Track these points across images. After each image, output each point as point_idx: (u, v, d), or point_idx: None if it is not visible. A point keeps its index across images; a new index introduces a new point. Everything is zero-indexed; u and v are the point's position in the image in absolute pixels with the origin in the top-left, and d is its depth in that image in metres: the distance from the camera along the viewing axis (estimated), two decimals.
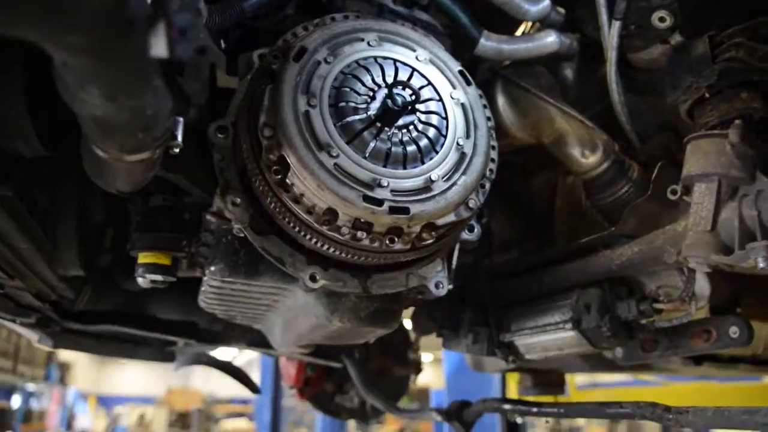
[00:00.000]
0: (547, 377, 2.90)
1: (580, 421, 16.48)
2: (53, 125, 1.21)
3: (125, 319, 2.17)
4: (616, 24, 1.48)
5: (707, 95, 1.41)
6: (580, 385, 7.34)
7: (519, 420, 4.72)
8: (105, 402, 21.22)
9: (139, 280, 1.50)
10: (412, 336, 2.85)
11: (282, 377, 3.13)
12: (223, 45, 1.43)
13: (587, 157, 1.64)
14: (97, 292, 1.99)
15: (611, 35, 1.52)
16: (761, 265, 1.22)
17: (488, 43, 1.63)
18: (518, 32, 1.88)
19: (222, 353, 2.69)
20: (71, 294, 1.91)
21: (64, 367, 17.23)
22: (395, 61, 1.26)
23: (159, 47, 0.62)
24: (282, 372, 3.07)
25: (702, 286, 1.63)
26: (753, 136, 1.34)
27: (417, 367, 2.91)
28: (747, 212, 1.29)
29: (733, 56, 1.36)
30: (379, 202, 1.12)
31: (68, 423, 16.87)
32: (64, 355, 16.35)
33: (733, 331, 1.67)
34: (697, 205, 1.36)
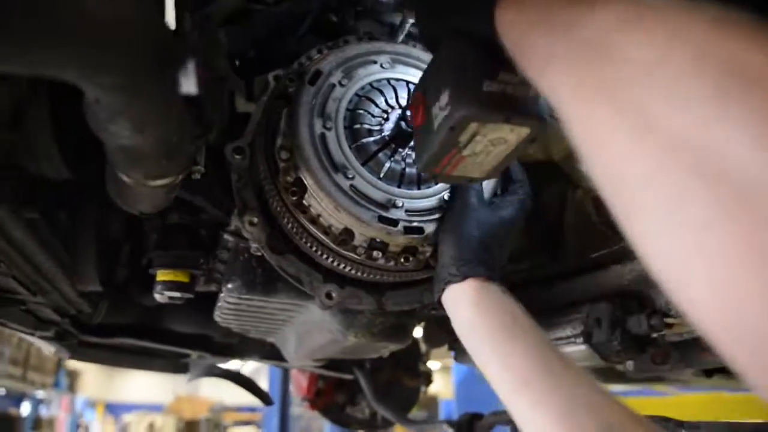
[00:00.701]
0: None
1: None
2: (78, 148, 1.24)
3: (140, 332, 2.21)
4: None
5: None
6: None
7: None
8: (113, 409, 21.24)
9: (158, 296, 1.54)
10: (423, 348, 2.87)
11: (293, 388, 3.15)
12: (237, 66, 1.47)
13: None
14: (113, 306, 2.03)
15: None
16: None
17: None
18: None
19: (230, 362, 2.71)
20: (89, 308, 1.95)
21: (74, 375, 17.30)
22: (408, 82, 1.29)
23: (189, 86, 0.65)
24: (293, 383, 3.10)
25: None
26: None
27: (427, 379, 2.93)
28: None
29: None
30: (395, 223, 1.14)
31: (77, 430, 16.92)
32: (73, 362, 16.39)
33: None
34: None
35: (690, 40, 0.46)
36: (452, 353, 2.09)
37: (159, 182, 1.00)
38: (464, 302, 1.05)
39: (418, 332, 2.53)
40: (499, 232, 1.18)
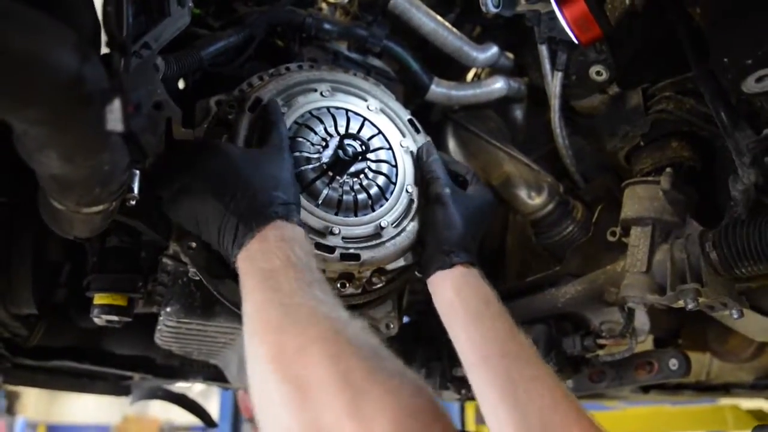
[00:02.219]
0: None
1: None
2: (12, 170, 1.23)
3: (80, 354, 2.15)
4: (558, 74, 1.57)
5: (642, 143, 1.51)
6: None
7: None
8: (56, 431, 20.47)
9: (96, 320, 1.51)
10: None
11: (240, 408, 3.11)
12: (181, 87, 1.47)
13: (533, 198, 1.71)
14: (51, 328, 1.98)
15: (554, 84, 1.60)
16: (689, 306, 1.30)
17: (438, 90, 1.70)
18: (470, 76, 1.96)
19: (179, 388, 2.67)
20: (24, 331, 1.90)
21: (12, 396, 16.55)
22: (347, 111, 1.32)
23: (115, 122, 0.66)
24: (240, 404, 3.06)
25: (642, 321, 1.71)
26: (683, 182, 1.43)
27: None
28: (678, 255, 1.37)
29: (664, 108, 1.45)
30: (331, 250, 1.16)
31: None
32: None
33: (673, 364, 1.76)
34: (633, 248, 1.44)
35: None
36: None
37: (92, 209, 1.00)
38: (447, 286, 1.20)
39: None
40: (478, 218, 1.32)
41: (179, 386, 2.84)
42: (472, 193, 1.37)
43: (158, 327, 1.58)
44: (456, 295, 1.18)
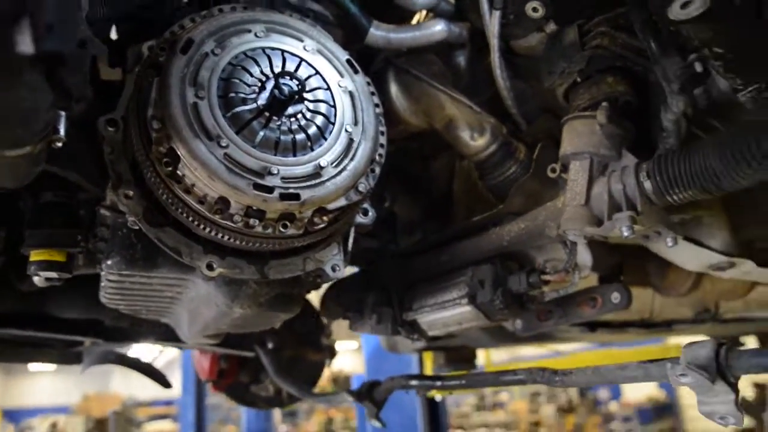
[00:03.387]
0: (458, 354, 3.03)
1: (504, 397, 17.12)
2: None
3: (24, 321, 2.10)
4: (496, 14, 1.57)
5: (579, 80, 1.53)
6: (496, 361, 7.64)
7: (438, 398, 4.87)
8: (13, 416, 20.09)
9: (34, 278, 1.47)
10: (325, 322, 2.90)
11: (197, 370, 3.10)
12: (114, 36, 1.42)
13: (476, 140, 1.73)
14: None
15: (492, 24, 1.60)
16: (625, 233, 1.34)
17: (378, 33, 1.68)
18: (414, 21, 1.95)
19: (141, 354, 2.64)
20: None
21: None
22: (283, 51, 1.29)
23: (24, 44, 0.63)
24: (196, 366, 3.05)
25: (584, 257, 1.75)
26: (619, 117, 1.46)
27: (331, 352, 2.97)
28: (614, 186, 1.41)
29: (599, 44, 1.47)
30: (270, 190, 1.15)
31: None
32: None
33: (615, 297, 1.82)
34: (572, 182, 1.47)
35: None
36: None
37: (16, 152, 0.96)
38: None
39: (318, 307, 2.55)
40: None
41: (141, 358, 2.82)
42: None
43: (102, 284, 1.55)
44: None
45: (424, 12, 1.91)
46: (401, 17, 1.89)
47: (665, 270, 2.17)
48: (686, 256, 1.67)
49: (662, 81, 1.24)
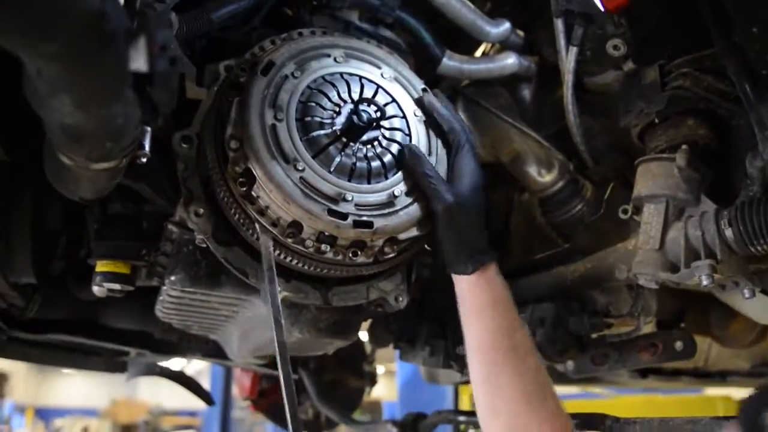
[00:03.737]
0: None
1: None
2: (14, 128, 1.19)
3: (76, 328, 2.12)
4: (573, 49, 1.54)
5: (657, 121, 1.48)
6: None
7: None
8: (44, 415, 20.39)
9: (96, 288, 1.48)
10: (368, 348, 2.86)
11: (236, 389, 3.09)
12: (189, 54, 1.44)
13: (543, 175, 1.69)
14: (48, 300, 1.95)
15: (568, 60, 1.57)
16: (705, 282, 1.28)
17: (450, 63, 1.67)
18: (479, 52, 1.94)
19: (172, 363, 2.64)
20: (21, 302, 1.87)
21: (1, 379, 16.55)
22: (361, 77, 1.29)
23: (139, 62, 0.63)
24: (236, 384, 3.04)
25: (649, 302, 1.70)
26: (698, 160, 1.41)
27: (372, 379, 2.93)
28: (692, 233, 1.35)
29: (681, 85, 1.43)
30: (344, 216, 1.14)
31: None
32: (1, 365, 15.71)
33: (678, 345, 1.75)
34: (646, 225, 1.42)
35: None
36: (397, 352, 2.10)
37: (102, 165, 0.97)
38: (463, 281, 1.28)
39: (363, 333, 2.53)
40: (479, 203, 1.30)
41: (172, 364, 2.82)
42: (457, 170, 1.31)
43: (160, 298, 1.55)
44: (470, 291, 1.27)
45: (490, 44, 1.91)
46: (469, 47, 1.88)
47: (729, 320, 2.09)
48: (759, 308, 1.60)
49: (756, 127, 1.19)
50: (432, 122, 1.32)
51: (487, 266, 1.27)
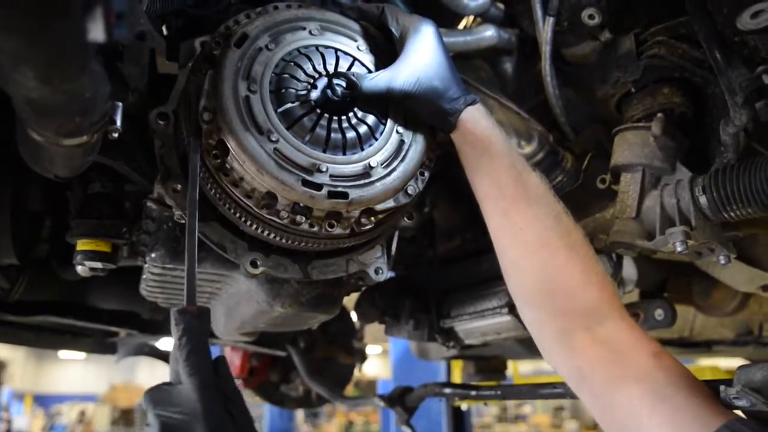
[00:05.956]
0: (489, 364, 2.99)
1: (526, 409, 16.93)
2: None
3: (63, 309, 2.14)
4: (550, 20, 1.54)
5: (633, 90, 1.49)
6: (523, 372, 7.55)
7: (464, 407, 4.82)
8: (43, 401, 20.49)
9: (78, 268, 1.49)
10: (357, 325, 2.89)
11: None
12: (164, 32, 1.43)
13: (523, 147, 1.70)
14: (33, 282, 1.95)
15: (545, 31, 1.57)
16: (679, 249, 1.30)
17: None
18: (460, 26, 1.93)
19: (161, 343, 2.65)
20: (6, 284, 1.87)
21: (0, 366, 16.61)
22: (336, 50, 1.28)
23: (96, 31, 0.63)
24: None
25: (630, 271, 1.71)
26: (674, 129, 1.42)
27: (362, 356, 2.95)
28: (668, 200, 1.37)
29: (656, 53, 1.44)
30: (318, 187, 1.14)
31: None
32: None
33: (659, 314, 1.77)
34: (623, 194, 1.44)
35: None
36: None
37: (73, 141, 0.97)
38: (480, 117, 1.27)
39: (352, 310, 2.55)
40: (435, 62, 1.27)
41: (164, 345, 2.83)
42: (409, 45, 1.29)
43: (143, 276, 1.56)
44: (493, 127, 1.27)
45: (471, 17, 1.90)
46: (447, 20, 1.87)
47: (710, 289, 2.12)
48: (737, 275, 1.62)
49: (726, 93, 1.20)
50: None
51: (468, 113, 1.25)
